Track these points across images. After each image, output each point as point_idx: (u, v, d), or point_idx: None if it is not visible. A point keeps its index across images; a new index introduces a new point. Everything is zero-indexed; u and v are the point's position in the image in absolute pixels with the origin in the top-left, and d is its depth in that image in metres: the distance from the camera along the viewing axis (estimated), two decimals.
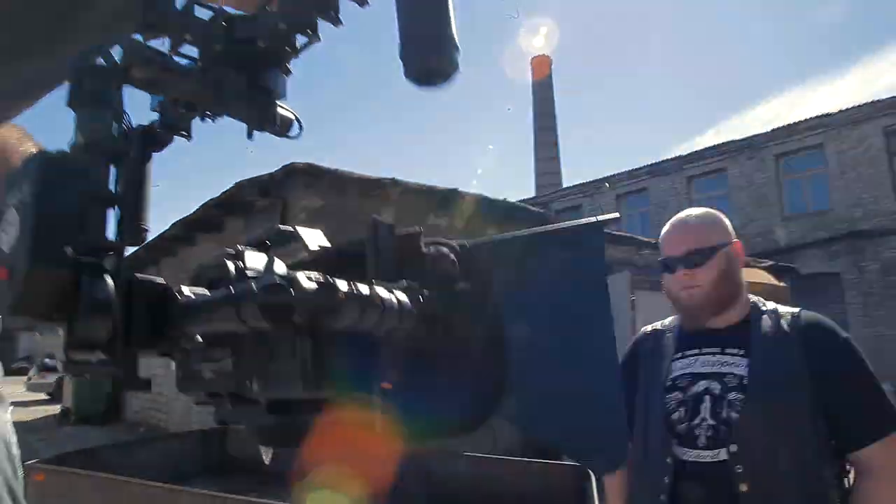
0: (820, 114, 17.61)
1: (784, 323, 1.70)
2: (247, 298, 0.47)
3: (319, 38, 0.61)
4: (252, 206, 8.22)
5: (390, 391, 0.56)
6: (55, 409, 15.91)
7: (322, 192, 7.25)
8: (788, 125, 18.16)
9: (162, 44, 0.59)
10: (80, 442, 9.81)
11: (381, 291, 0.53)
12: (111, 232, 0.55)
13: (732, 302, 1.76)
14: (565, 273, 0.90)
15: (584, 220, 0.96)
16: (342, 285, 0.49)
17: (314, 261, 0.67)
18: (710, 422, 1.63)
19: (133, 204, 0.56)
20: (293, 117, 0.67)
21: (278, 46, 0.62)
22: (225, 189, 7.87)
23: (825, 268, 16.48)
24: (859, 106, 16.92)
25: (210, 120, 0.62)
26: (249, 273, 0.58)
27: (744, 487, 1.53)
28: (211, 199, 8.22)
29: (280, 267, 0.57)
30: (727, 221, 1.86)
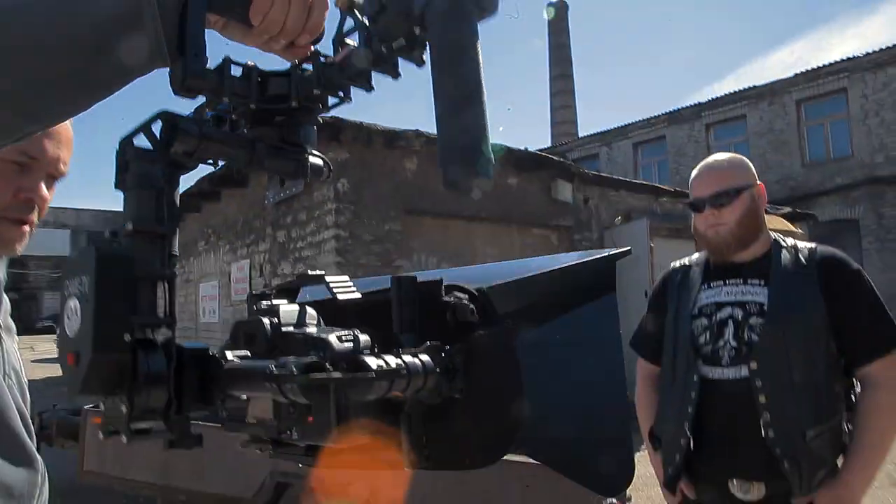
0: (844, 58, 17.31)
1: (802, 256, 1.89)
2: (289, 379, 0.52)
3: (351, 100, 0.65)
4: None
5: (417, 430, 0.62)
6: None
7: (347, 146, 7.40)
8: (810, 70, 17.86)
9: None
10: None
11: (408, 358, 0.58)
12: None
13: (754, 238, 1.95)
14: (579, 307, 0.92)
15: (596, 255, 0.99)
16: (372, 362, 0.54)
17: (342, 308, 0.69)
18: (733, 343, 1.84)
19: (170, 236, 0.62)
20: (322, 163, 0.70)
21: (311, 104, 0.66)
22: None
23: (844, 214, 16.45)
24: (885, 48, 16.60)
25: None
26: (284, 329, 0.63)
27: (763, 399, 1.74)
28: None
29: (312, 320, 0.64)
30: (751, 165, 2.04)
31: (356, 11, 0.63)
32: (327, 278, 0.71)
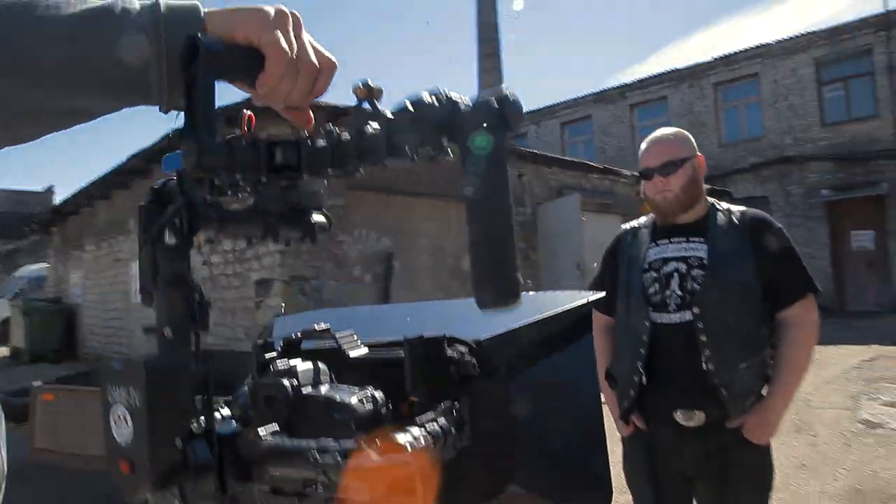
0: (757, 44, 18.31)
1: (734, 218, 2.21)
2: (334, 467, 0.56)
3: (361, 173, 0.66)
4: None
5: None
6: (2, 350, 15.64)
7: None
8: (727, 55, 18.81)
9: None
10: (43, 377, 9.88)
11: (431, 426, 0.61)
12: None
13: (695, 202, 2.25)
14: (563, 351, 0.98)
15: (578, 302, 1.03)
16: (403, 439, 0.57)
17: (357, 367, 0.72)
18: (678, 293, 2.14)
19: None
20: (325, 220, 0.71)
21: (321, 175, 0.68)
22: None
23: (756, 192, 17.49)
24: (793, 37, 17.66)
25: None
26: (304, 391, 0.65)
27: (703, 338, 2.05)
28: (174, 128, 8.25)
29: (326, 378, 0.67)
30: (692, 139, 2.34)
31: (376, 102, 0.63)
32: (336, 334, 0.75)
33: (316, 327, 0.76)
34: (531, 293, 1.00)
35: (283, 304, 7.25)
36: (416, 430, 0.60)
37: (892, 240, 15.89)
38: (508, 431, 0.74)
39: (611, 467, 0.96)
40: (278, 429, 0.63)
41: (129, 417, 0.58)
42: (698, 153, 2.30)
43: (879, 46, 16.39)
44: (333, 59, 0.68)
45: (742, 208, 2.27)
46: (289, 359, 0.69)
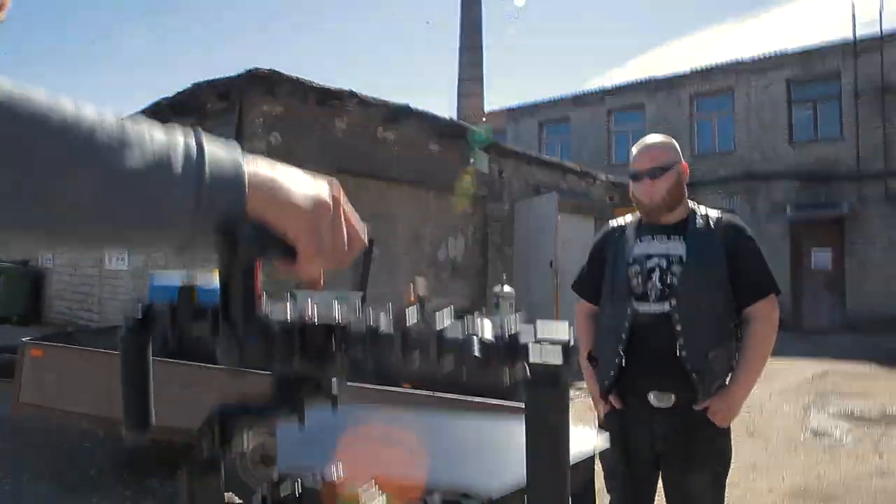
0: (733, 60, 18.79)
1: (711, 221, 2.45)
2: None
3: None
4: (204, 109, 8.35)
5: None
6: None
7: (281, 99, 7.53)
8: (704, 68, 19.26)
9: None
10: (13, 338, 9.83)
11: None
12: None
13: (678, 205, 2.48)
14: None
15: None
16: None
17: None
18: (659, 285, 2.37)
19: None
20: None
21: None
22: (179, 90, 7.97)
23: (724, 204, 17.93)
24: (768, 57, 18.17)
25: None
26: None
27: (679, 327, 2.29)
28: (163, 99, 8.28)
29: None
30: (678, 147, 2.57)
31: (424, 311, 0.63)
32: None
33: None
34: None
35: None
36: None
37: (849, 260, 16.54)
38: None
39: None
40: None
41: None
42: (683, 161, 2.53)
43: (847, 71, 16.97)
44: (364, 237, 0.68)
45: (718, 213, 2.51)
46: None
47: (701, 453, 2.35)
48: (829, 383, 9.22)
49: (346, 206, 0.66)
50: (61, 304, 13.46)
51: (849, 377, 9.74)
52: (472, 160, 9.90)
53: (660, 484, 2.50)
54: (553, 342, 0.56)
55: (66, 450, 5.34)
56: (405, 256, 9.30)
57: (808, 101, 17.83)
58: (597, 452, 0.93)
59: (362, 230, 0.68)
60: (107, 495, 4.21)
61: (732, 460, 2.47)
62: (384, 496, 0.76)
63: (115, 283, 10.29)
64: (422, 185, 9.41)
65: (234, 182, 0.58)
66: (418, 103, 8.67)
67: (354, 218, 0.67)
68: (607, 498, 2.58)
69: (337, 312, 0.65)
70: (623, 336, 2.37)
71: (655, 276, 2.39)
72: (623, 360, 2.37)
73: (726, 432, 2.38)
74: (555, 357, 0.55)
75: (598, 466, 2.61)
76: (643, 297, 2.39)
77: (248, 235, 0.57)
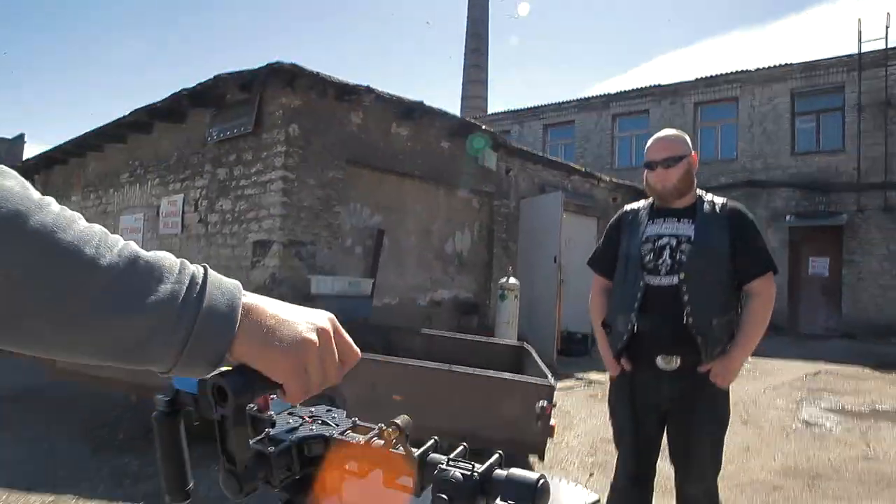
0: (739, 69, 19.10)
1: (716, 206, 2.72)
2: None
3: None
4: (223, 100, 8.62)
5: None
6: None
7: (300, 93, 7.80)
8: (709, 76, 19.56)
9: None
10: None
11: None
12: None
13: (688, 191, 2.76)
14: None
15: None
16: None
17: None
18: (669, 261, 2.64)
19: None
20: None
21: None
22: (202, 80, 8.22)
23: None
24: (773, 67, 18.47)
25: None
26: None
27: (686, 298, 2.56)
28: (184, 89, 8.53)
29: None
30: (689, 139, 2.84)
31: (405, 444, 0.67)
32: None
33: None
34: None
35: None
36: None
37: (846, 269, 16.83)
38: None
39: None
40: None
41: None
42: (693, 152, 2.81)
43: (851, 85, 17.28)
44: (357, 352, 0.71)
45: (723, 199, 2.79)
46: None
47: (703, 411, 2.62)
48: (822, 382, 9.51)
49: (340, 330, 0.69)
50: None
51: (841, 377, 10.03)
52: (480, 157, 10.17)
53: (664, 440, 2.78)
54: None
55: (99, 413, 5.62)
56: (414, 249, 9.57)
57: (810, 112, 18.12)
58: None
59: (354, 351, 0.70)
60: (137, 456, 4.46)
61: (726, 443, 2.73)
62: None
63: None
64: (432, 181, 9.68)
65: (223, 332, 0.60)
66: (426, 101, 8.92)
67: (347, 341, 0.70)
68: None
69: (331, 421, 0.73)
70: (636, 305, 2.65)
71: (666, 253, 2.67)
72: (635, 327, 2.64)
73: (725, 394, 2.66)
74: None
75: None
76: (654, 272, 2.66)
77: (237, 386, 0.61)
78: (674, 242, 2.67)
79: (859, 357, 12.29)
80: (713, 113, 19.57)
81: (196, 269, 0.62)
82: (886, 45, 16.99)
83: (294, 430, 0.71)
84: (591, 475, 2.98)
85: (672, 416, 2.70)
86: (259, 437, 0.69)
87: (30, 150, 28.89)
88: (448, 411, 4.25)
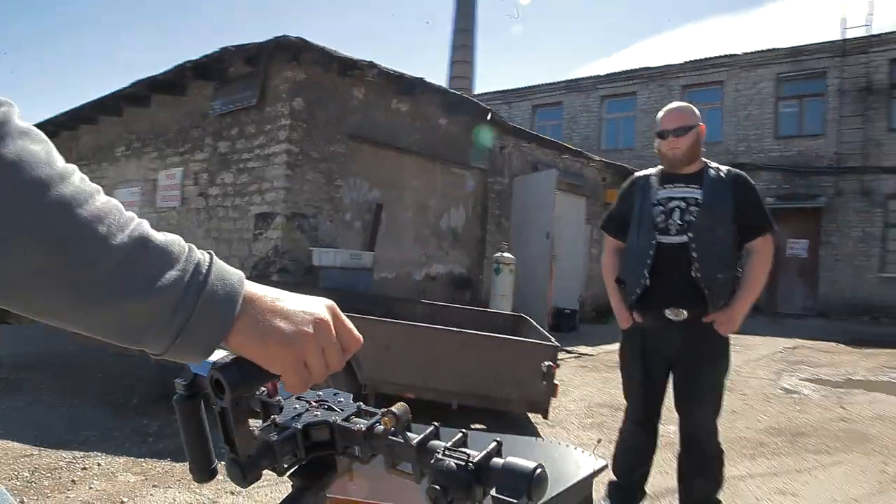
0: (725, 53, 19.41)
1: (721, 173, 2.99)
2: None
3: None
4: (226, 74, 8.70)
5: None
6: None
7: (305, 67, 7.93)
8: (696, 60, 19.88)
9: None
10: None
11: None
12: None
13: (696, 159, 3.02)
14: None
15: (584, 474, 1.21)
16: None
17: None
18: (679, 222, 2.90)
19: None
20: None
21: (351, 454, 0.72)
22: (207, 53, 8.31)
23: None
24: (759, 51, 18.82)
25: None
26: None
27: (694, 255, 2.83)
28: (188, 61, 8.61)
29: None
30: (698, 111, 3.09)
31: (406, 433, 0.67)
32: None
33: None
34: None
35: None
36: None
37: (823, 250, 17.33)
38: None
39: None
40: None
41: None
42: (701, 123, 3.06)
43: (834, 71, 17.68)
44: (359, 337, 0.72)
45: (727, 167, 3.05)
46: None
47: (706, 359, 2.90)
48: (799, 356, 9.94)
49: (341, 318, 0.70)
50: None
51: (817, 351, 10.48)
52: (477, 136, 10.39)
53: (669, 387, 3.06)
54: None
55: (111, 380, 5.81)
56: (411, 224, 9.77)
57: (794, 97, 18.51)
58: (595, 471, 1.21)
59: (356, 337, 0.71)
60: (154, 418, 4.65)
61: None
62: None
63: None
64: (429, 157, 9.88)
65: (218, 326, 0.60)
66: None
67: (348, 327, 0.70)
68: None
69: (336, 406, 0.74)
70: (648, 262, 2.91)
71: (676, 214, 2.93)
72: (647, 282, 2.91)
73: (726, 343, 2.94)
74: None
75: (595, 485, 3.16)
76: (665, 231, 2.93)
77: (234, 379, 0.63)
78: (683, 205, 2.93)
79: (834, 334, 12.80)
80: (699, 96, 19.86)
81: (202, 258, 0.62)
82: (869, 32, 17.39)
83: (300, 415, 0.72)
84: (598, 441, 3.24)
85: (678, 365, 2.98)
86: (265, 424, 0.71)
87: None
88: (459, 372, 4.51)
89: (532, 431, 4.93)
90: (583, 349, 9.44)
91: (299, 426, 0.70)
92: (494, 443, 0.63)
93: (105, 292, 0.55)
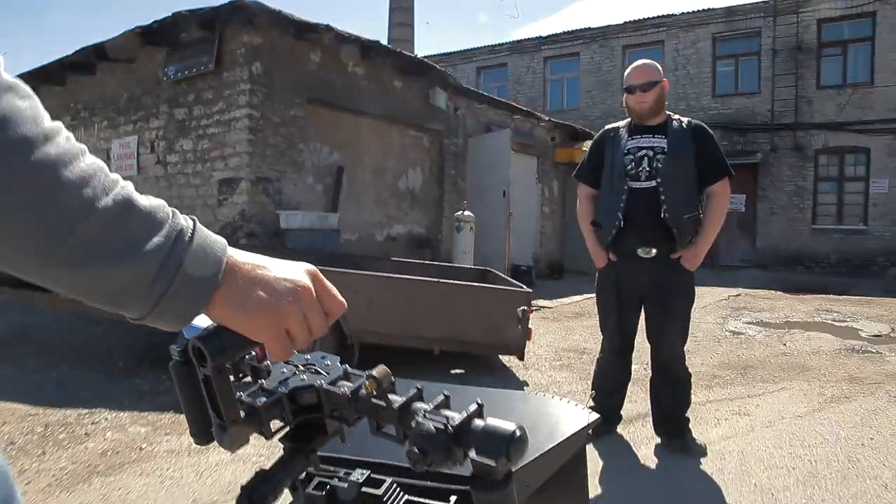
0: (664, 13, 19.90)
1: (683, 124, 3.31)
2: None
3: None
4: (178, 39, 8.58)
5: None
6: None
7: (262, 31, 7.92)
8: (637, 20, 20.32)
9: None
10: None
11: None
12: None
13: (660, 111, 3.32)
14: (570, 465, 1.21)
15: (580, 426, 1.21)
16: None
17: None
18: (647, 169, 3.22)
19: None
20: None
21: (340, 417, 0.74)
22: (159, 18, 8.19)
23: None
24: (696, 11, 19.37)
25: None
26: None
27: (663, 198, 3.15)
28: (138, 26, 8.45)
29: None
30: (661, 68, 3.39)
31: (387, 395, 0.68)
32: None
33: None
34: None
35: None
36: None
37: (760, 204, 18.23)
38: None
39: None
40: None
41: None
42: (664, 79, 3.36)
43: (767, 30, 18.38)
44: (342, 301, 0.72)
45: (688, 119, 3.37)
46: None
47: (674, 289, 3.25)
48: (742, 302, 10.61)
49: (323, 283, 0.70)
50: None
51: (758, 298, 11.20)
52: (430, 98, 10.54)
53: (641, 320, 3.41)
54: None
55: (92, 347, 5.88)
56: (370, 187, 9.93)
57: (730, 56, 19.18)
58: (588, 424, 1.24)
59: (339, 301, 0.71)
60: (144, 379, 4.77)
61: None
62: None
63: None
64: (385, 119, 10.00)
65: (198, 295, 0.60)
66: None
67: (331, 291, 0.70)
68: (599, 463, 3.21)
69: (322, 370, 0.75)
70: (621, 205, 3.22)
71: (645, 162, 3.24)
72: (621, 223, 3.22)
73: (691, 277, 3.29)
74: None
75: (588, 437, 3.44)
76: (636, 178, 3.24)
77: (215, 348, 0.64)
78: (650, 153, 3.25)
79: (772, 283, 13.66)
80: (641, 56, 19.81)
81: (185, 224, 0.61)
82: None
83: (287, 380, 0.73)
84: (593, 395, 3.57)
85: (649, 298, 3.32)
86: (252, 389, 0.71)
87: None
88: (440, 321, 4.78)
89: (508, 374, 5.27)
90: (542, 302, 9.85)
91: (286, 391, 0.71)
92: (475, 405, 0.64)
93: (88, 255, 0.54)
